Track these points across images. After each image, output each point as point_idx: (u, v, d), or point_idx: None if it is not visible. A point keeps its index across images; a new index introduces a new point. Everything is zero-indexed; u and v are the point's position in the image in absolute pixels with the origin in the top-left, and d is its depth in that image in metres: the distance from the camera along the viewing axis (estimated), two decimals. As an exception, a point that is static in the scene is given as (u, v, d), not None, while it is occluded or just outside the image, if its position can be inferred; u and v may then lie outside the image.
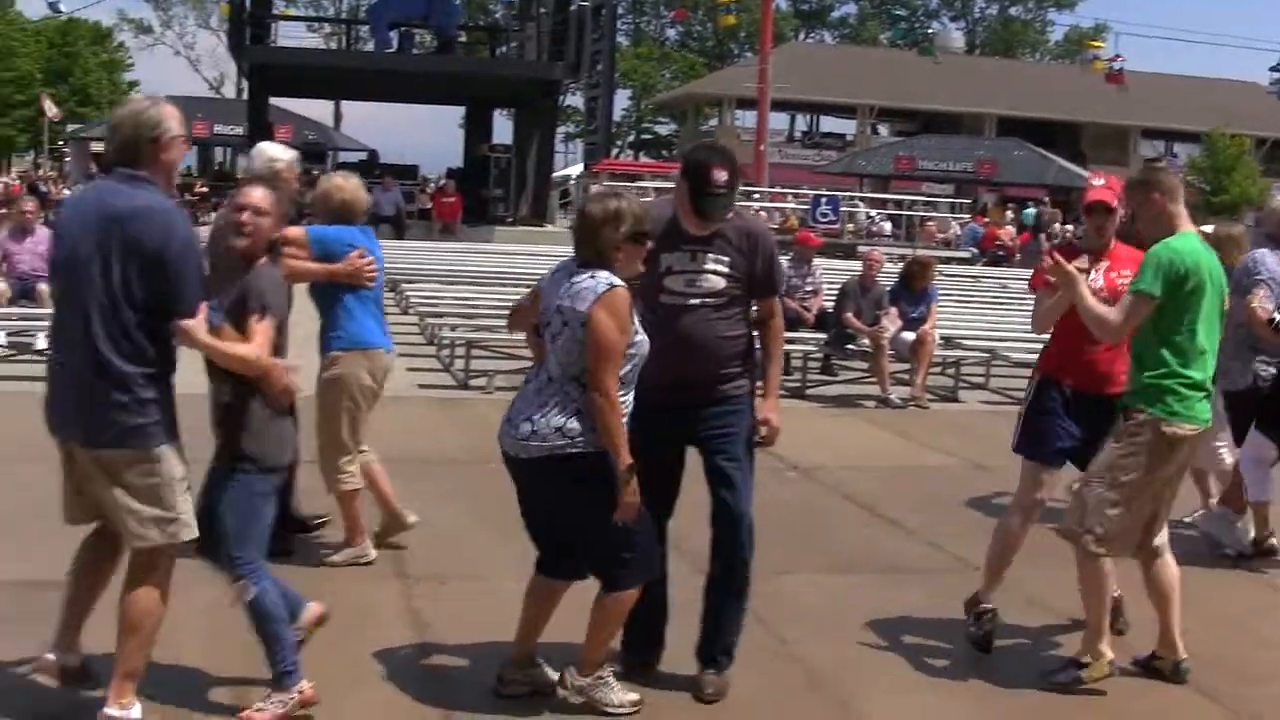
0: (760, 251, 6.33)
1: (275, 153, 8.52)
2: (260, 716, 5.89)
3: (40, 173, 53.99)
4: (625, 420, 5.77)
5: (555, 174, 46.19)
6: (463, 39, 42.98)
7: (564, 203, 46.75)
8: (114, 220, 5.47)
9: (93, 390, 5.54)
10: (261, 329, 5.81)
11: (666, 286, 6.20)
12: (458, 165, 43.19)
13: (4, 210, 31.12)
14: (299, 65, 38.82)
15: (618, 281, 5.73)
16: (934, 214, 45.22)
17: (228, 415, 5.95)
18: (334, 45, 57.68)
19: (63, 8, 60.53)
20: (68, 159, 63.77)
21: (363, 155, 50.47)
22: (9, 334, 16.07)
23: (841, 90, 74.18)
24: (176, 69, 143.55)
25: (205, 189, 46.19)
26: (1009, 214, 43.01)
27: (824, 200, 37.56)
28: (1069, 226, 37.78)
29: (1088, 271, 6.78)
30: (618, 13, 67.90)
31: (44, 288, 16.02)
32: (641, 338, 5.82)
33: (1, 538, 8.71)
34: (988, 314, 21.42)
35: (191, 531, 5.77)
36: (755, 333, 6.53)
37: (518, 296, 7.69)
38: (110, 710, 5.67)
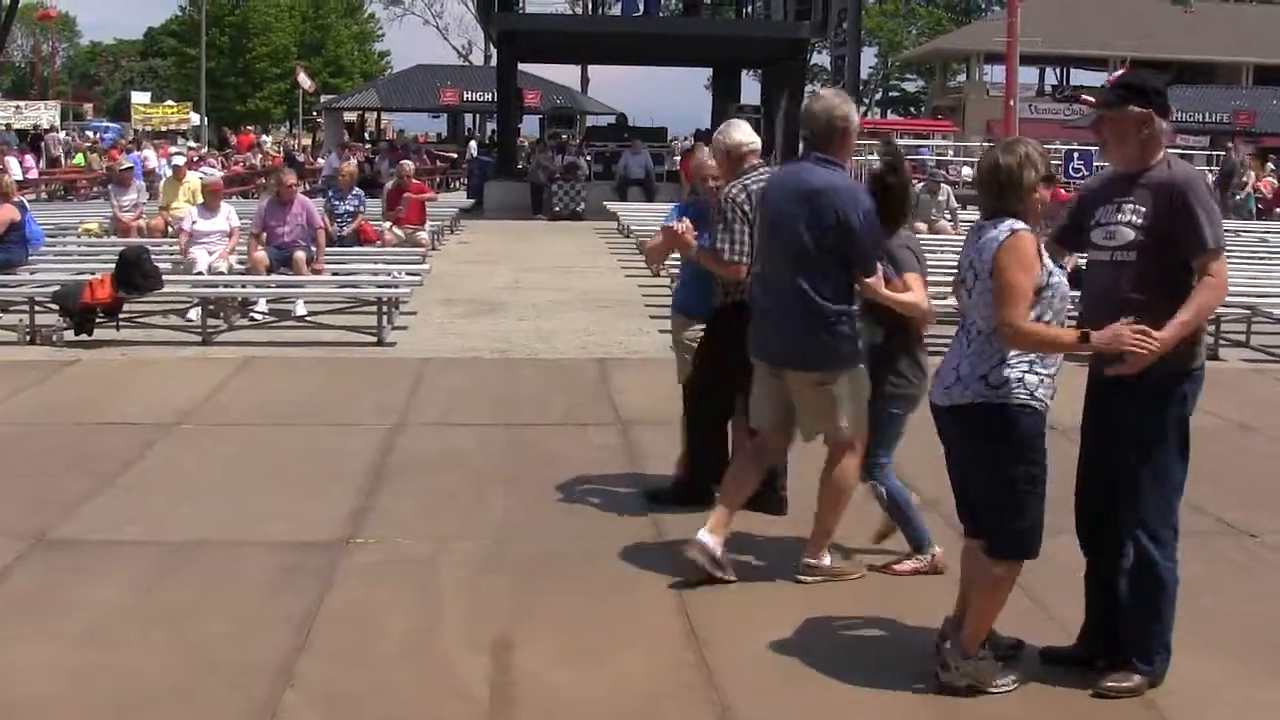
0: (1180, 203, 5.67)
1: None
2: (901, 567, 7.48)
3: (296, 143, 55.33)
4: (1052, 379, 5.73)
5: (803, 133, 45.77)
6: (708, 0, 42.86)
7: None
8: (810, 194, 6.89)
9: (803, 326, 6.96)
10: (915, 281, 7.13)
11: (1092, 240, 5.90)
12: (705, 127, 43.10)
13: (263, 180, 32.07)
14: (546, 31, 39.05)
15: (1020, 226, 5.63)
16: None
17: (881, 352, 7.22)
18: (579, 11, 57.93)
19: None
20: (322, 129, 65.11)
21: (611, 119, 50.61)
22: (269, 301, 16.41)
23: (1092, 42, 72.41)
24: (426, 38, 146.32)
25: (454, 155, 46.80)
26: (1269, 165, 41.38)
27: (1076, 155, 36.71)
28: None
29: None
30: (863, -31, 67.17)
31: (301, 256, 16.39)
32: (1057, 280, 5.67)
33: (278, 497, 8.85)
34: (1248, 269, 20.60)
35: (865, 430, 7.21)
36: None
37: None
38: (807, 558, 7.30)
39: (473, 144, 54.36)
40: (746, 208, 7.76)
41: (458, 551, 7.68)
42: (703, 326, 8.56)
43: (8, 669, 6.04)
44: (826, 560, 7.30)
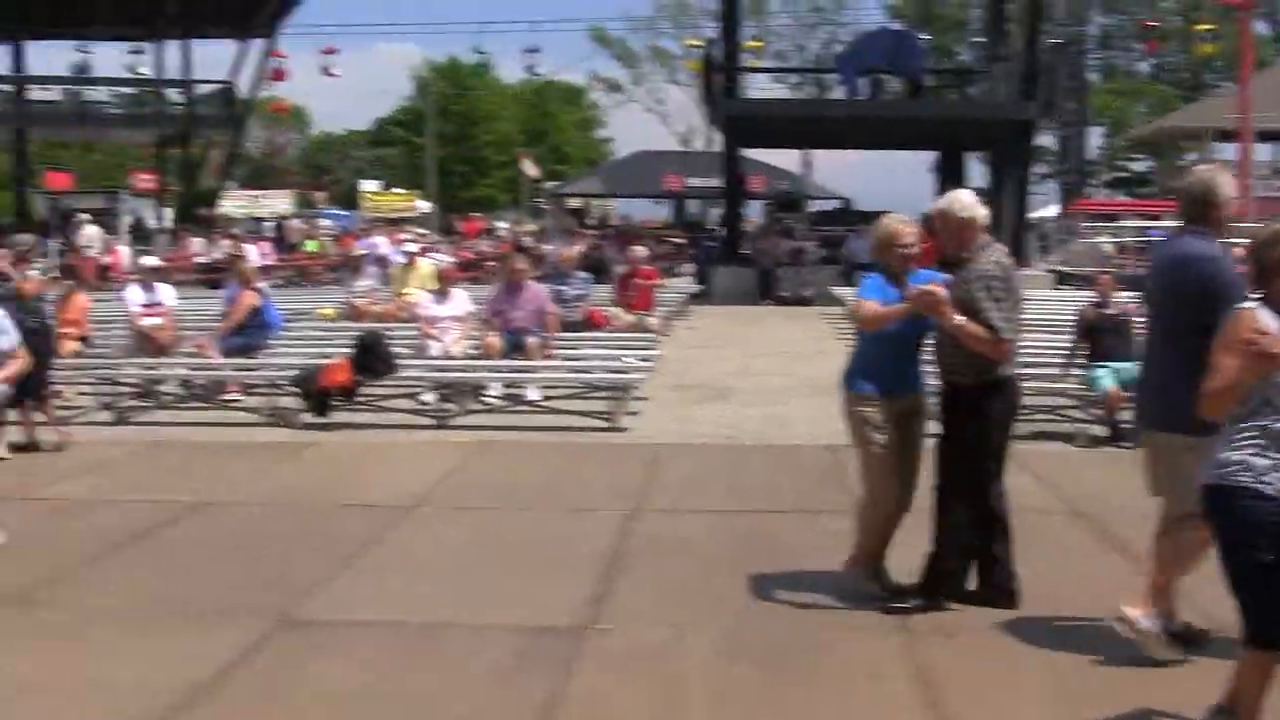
0: None
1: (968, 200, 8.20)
2: None
3: (520, 229, 56.01)
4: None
5: (1031, 215, 45.24)
6: (931, 83, 42.60)
7: (1041, 245, 45.76)
8: (1177, 262, 7.19)
9: (1164, 389, 7.06)
10: None
11: None
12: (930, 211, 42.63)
13: (493, 266, 32.50)
14: (770, 116, 39.14)
15: (1247, 305, 5.66)
16: None
17: None
18: (800, 95, 58.08)
19: (540, 70, 62.63)
20: (547, 215, 65.90)
21: (835, 203, 50.48)
22: (505, 385, 16.57)
23: (1331, 116, 70.21)
24: (647, 124, 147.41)
25: (682, 240, 47.00)
26: None
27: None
28: None
29: None
30: (1088, 48, 66.23)
31: (533, 341, 16.52)
32: None
33: (515, 581, 8.87)
34: None
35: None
36: None
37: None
38: (1126, 608, 7.13)
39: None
40: (1010, 282, 7.73)
41: (696, 639, 7.59)
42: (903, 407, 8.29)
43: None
44: (1146, 622, 7.07)
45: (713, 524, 10.50)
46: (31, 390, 13.69)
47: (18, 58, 55.52)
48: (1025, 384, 13.82)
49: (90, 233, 41.53)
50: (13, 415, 13.70)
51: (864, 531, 8.48)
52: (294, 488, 12.02)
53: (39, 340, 13.73)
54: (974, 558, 8.19)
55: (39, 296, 14.15)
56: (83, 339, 15.46)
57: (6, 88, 54.96)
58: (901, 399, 8.30)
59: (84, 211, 45.95)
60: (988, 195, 37.03)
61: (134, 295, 18.06)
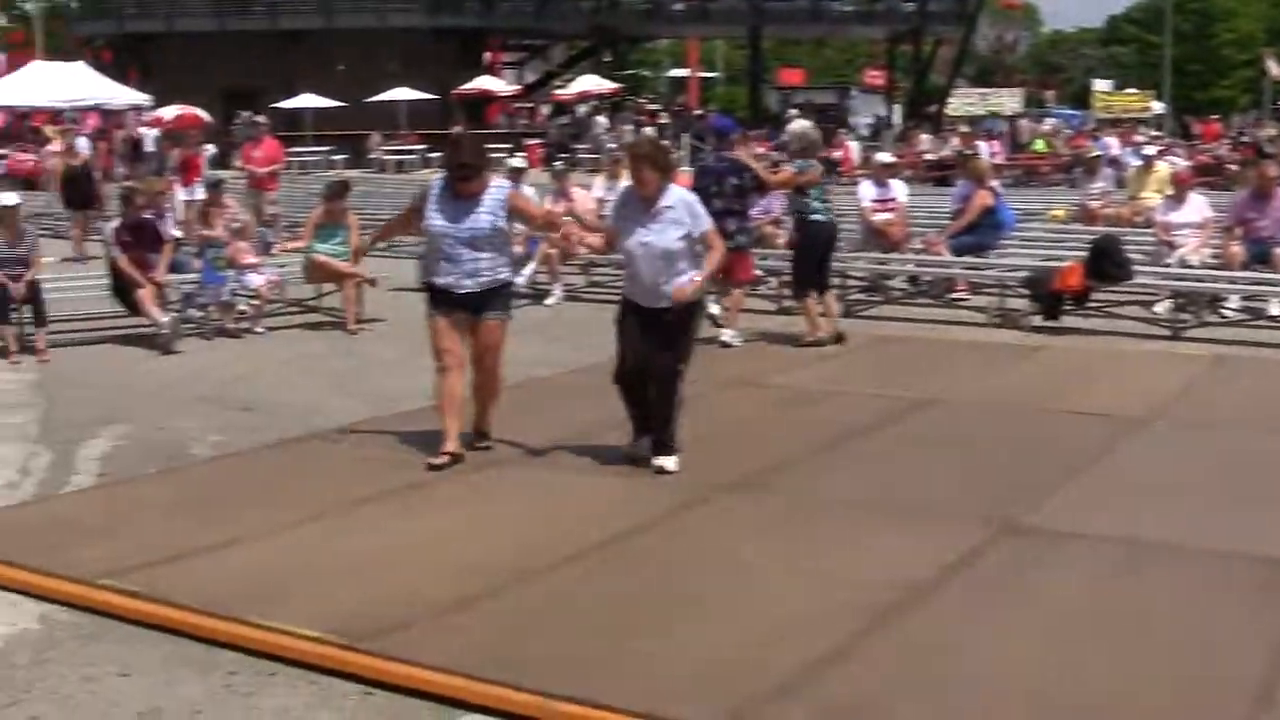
0: None
1: None
2: None
3: (1264, 134, 53.24)
4: None
5: None
6: None
7: None
8: None
9: None
10: None
11: None
12: None
13: (1234, 168, 31.02)
14: None
15: None
16: None
17: None
18: None
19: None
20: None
21: None
22: (1244, 297, 15.76)
23: None
24: None
25: None
26: None
27: None
28: None
29: None
30: None
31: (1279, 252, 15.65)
32: None
33: (1263, 508, 8.25)
34: None
35: None
36: None
37: None
38: None
39: None
40: None
41: None
42: None
43: (961, 650, 6.02)
44: None
45: None
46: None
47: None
48: None
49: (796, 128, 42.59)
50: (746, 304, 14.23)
51: None
52: (1020, 390, 11.87)
53: (812, 234, 14.11)
54: None
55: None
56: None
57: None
58: None
59: (802, 106, 47.16)
60: None
61: (866, 190, 18.28)
